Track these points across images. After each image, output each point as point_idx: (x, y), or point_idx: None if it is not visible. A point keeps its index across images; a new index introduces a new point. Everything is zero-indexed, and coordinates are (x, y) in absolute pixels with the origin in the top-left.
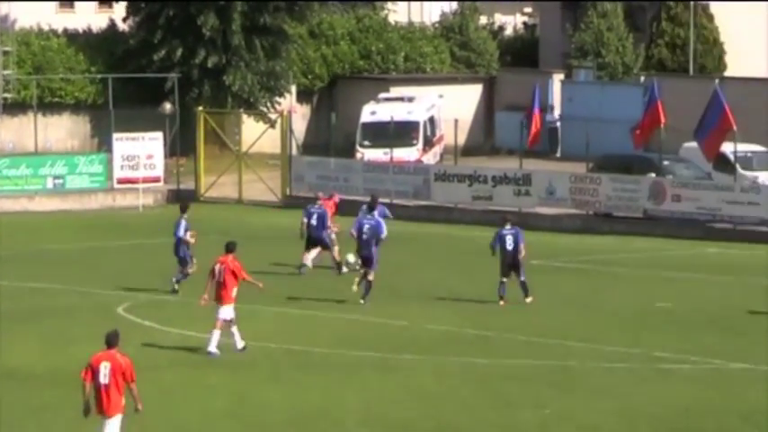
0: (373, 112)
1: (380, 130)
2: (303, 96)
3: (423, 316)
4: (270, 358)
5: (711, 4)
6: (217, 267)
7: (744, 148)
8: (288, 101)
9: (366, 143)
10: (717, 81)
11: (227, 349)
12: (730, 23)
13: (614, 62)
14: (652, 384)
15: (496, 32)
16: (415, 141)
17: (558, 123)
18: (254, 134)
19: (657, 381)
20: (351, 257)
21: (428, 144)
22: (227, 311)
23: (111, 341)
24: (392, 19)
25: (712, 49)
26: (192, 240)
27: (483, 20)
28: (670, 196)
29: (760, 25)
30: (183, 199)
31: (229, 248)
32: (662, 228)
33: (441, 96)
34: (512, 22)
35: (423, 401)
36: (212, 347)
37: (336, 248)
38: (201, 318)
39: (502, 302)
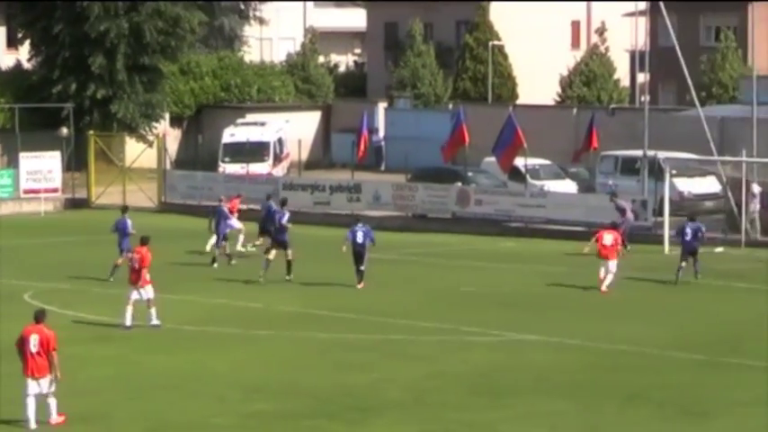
0: (232, 135)
1: (238, 149)
2: (175, 122)
3: (276, 299)
4: (149, 334)
5: (506, 44)
6: (134, 256)
7: (533, 161)
8: (162, 125)
9: (227, 159)
10: (510, 108)
11: (113, 327)
12: (522, 61)
13: (428, 93)
14: (459, 353)
15: (332, 69)
16: (266, 158)
17: (383, 143)
18: (136, 152)
19: (463, 349)
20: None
21: (277, 160)
22: (145, 292)
23: (39, 317)
24: (247, 58)
25: (507, 82)
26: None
27: (321, 59)
28: (473, 201)
29: (545, 63)
30: (124, 205)
31: (143, 241)
32: (467, 226)
33: (287, 121)
34: (345, 60)
35: (276, 367)
36: (127, 321)
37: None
38: (93, 302)
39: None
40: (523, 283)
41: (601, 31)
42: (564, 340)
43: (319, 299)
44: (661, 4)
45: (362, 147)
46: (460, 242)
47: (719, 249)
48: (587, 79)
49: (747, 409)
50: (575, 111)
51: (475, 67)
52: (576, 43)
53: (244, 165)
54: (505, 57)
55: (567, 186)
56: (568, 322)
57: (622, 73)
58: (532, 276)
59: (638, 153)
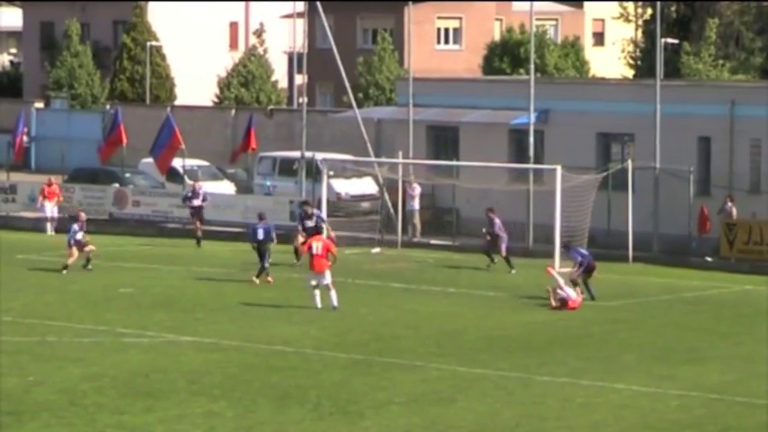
0: None
1: None
2: None
3: None
4: None
5: (164, 45)
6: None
7: (191, 162)
8: None
9: None
10: (168, 108)
11: None
12: (180, 62)
13: (85, 93)
14: (115, 354)
15: None
16: None
17: (31, 143)
18: None
19: (120, 351)
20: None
21: None
22: None
23: None
24: None
25: (165, 83)
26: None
27: None
28: (131, 202)
29: (203, 64)
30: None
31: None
32: (124, 227)
33: None
34: (0, 60)
35: None
36: None
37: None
38: None
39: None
40: (182, 284)
41: (259, 33)
42: (220, 341)
43: None
44: (318, 5)
45: (18, 147)
46: (117, 243)
47: (376, 250)
48: (245, 80)
49: (399, 407)
50: (233, 112)
51: (133, 68)
52: (234, 44)
53: None
54: (163, 57)
55: (225, 187)
56: (226, 323)
57: (280, 74)
58: (190, 278)
59: (296, 154)
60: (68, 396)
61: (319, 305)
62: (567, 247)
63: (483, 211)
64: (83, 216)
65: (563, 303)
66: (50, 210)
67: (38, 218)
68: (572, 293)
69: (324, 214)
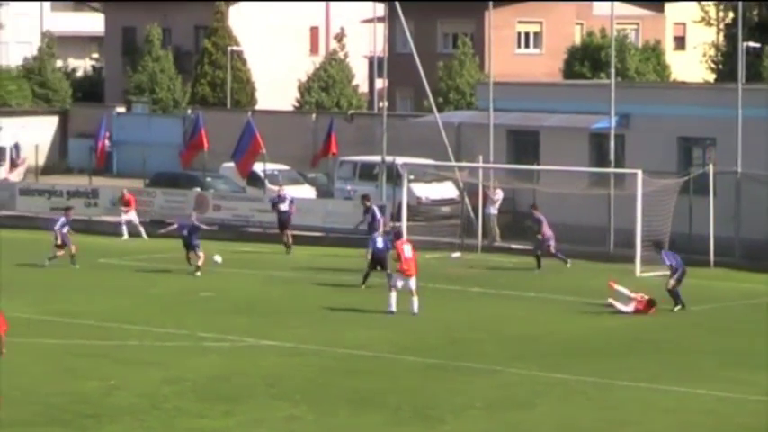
0: None
1: None
2: None
3: (9, 306)
4: None
5: (245, 50)
6: None
7: (272, 167)
8: None
9: None
10: (249, 113)
11: None
12: (261, 66)
13: (166, 98)
14: (195, 358)
15: (69, 73)
16: (2, 163)
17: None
18: None
19: (200, 355)
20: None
21: (13, 165)
22: None
23: None
24: None
25: (245, 87)
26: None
27: (59, 63)
28: (212, 206)
29: (283, 68)
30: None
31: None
32: (205, 232)
33: (23, 126)
34: (82, 65)
35: (8, 374)
36: None
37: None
38: None
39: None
40: (261, 288)
41: (339, 37)
42: (299, 345)
43: (55, 305)
44: (399, 9)
45: (101, 152)
46: None
47: (456, 254)
48: (326, 85)
49: (479, 412)
50: (313, 116)
51: (213, 72)
52: (314, 49)
53: None
54: (244, 62)
55: (306, 192)
56: (305, 327)
57: (361, 79)
58: (270, 282)
59: (377, 159)
60: (149, 400)
61: (394, 309)
62: (658, 245)
63: (564, 216)
64: (71, 214)
65: (645, 305)
66: (132, 217)
67: (119, 222)
68: (624, 308)
69: (402, 219)
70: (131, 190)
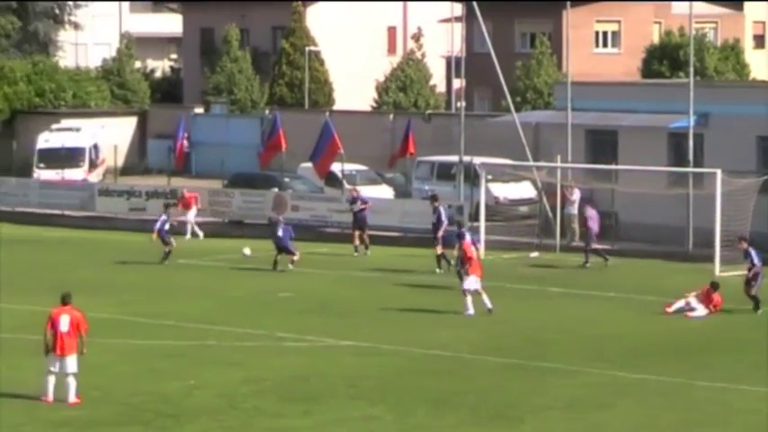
0: (47, 140)
1: (53, 155)
2: None
3: (89, 305)
4: None
5: (322, 50)
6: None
7: (349, 167)
8: None
9: (42, 165)
10: (327, 113)
11: None
12: (338, 67)
13: (244, 98)
14: (274, 358)
15: (148, 74)
16: (81, 164)
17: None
18: None
19: (280, 355)
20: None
21: (92, 166)
22: None
23: (66, 299)
24: (62, 64)
25: (323, 88)
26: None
27: (137, 64)
28: (290, 207)
29: (361, 68)
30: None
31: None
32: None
33: (103, 127)
34: (161, 65)
35: (89, 374)
36: None
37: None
38: None
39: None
40: (339, 288)
41: (417, 37)
42: (377, 345)
43: (134, 305)
44: (476, 9)
45: (179, 153)
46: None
47: (534, 254)
48: (403, 85)
49: (558, 412)
50: (391, 116)
51: (291, 73)
52: (392, 49)
53: (59, 171)
54: (322, 62)
55: (384, 192)
56: (383, 328)
57: (438, 79)
58: (348, 282)
59: (454, 158)
60: (228, 400)
61: (472, 311)
62: (743, 239)
63: (643, 216)
64: (170, 212)
65: (711, 300)
66: (191, 216)
67: (196, 222)
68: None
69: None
70: (190, 190)
